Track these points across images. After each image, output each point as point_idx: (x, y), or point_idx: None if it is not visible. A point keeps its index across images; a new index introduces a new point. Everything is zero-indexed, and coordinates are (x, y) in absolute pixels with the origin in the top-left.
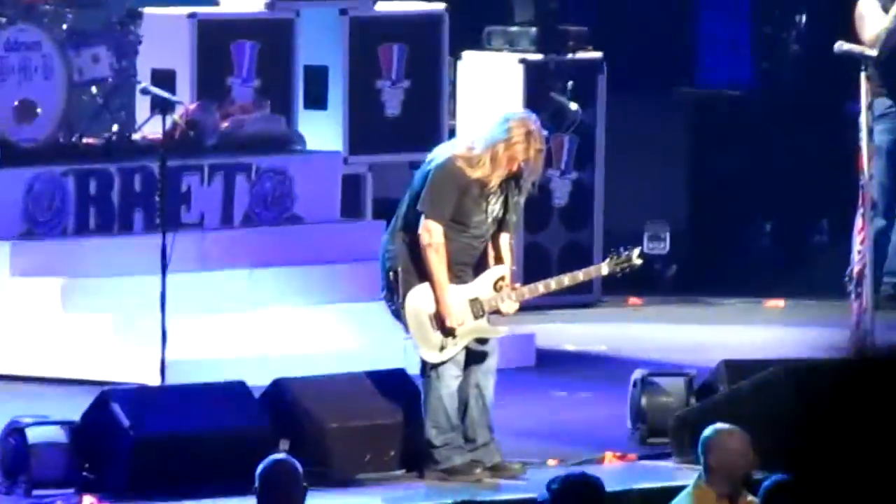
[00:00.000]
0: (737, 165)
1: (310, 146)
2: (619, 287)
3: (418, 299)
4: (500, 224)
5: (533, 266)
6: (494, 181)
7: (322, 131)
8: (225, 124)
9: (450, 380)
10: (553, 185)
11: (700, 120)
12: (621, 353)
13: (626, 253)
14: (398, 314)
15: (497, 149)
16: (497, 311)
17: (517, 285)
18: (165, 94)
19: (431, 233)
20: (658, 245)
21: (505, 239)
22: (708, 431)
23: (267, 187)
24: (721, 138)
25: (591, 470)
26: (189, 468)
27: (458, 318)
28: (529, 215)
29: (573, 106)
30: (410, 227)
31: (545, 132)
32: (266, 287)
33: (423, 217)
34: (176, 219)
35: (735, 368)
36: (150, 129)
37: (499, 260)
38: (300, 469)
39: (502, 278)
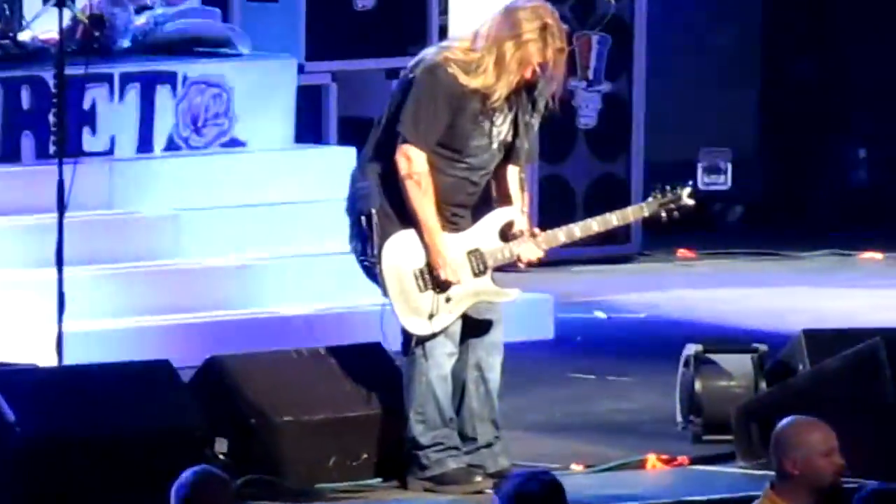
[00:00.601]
0: (821, 74)
1: (255, 49)
2: (666, 235)
3: (399, 251)
4: (508, 152)
5: (551, 206)
6: (500, 92)
7: (270, 29)
8: (141, 20)
9: (442, 358)
10: (578, 99)
11: (773, 15)
12: (668, 323)
13: (675, 191)
14: (372, 271)
15: (503, 48)
16: (514, 264)
17: (537, 230)
18: None
19: (411, 160)
20: (717, 179)
21: (514, 172)
22: (782, 425)
23: (198, 103)
24: (800, 38)
25: (631, 476)
26: (96, 476)
27: (454, 271)
28: (547, 139)
29: None
30: (388, 156)
31: (566, 27)
32: (197, 233)
33: (399, 140)
34: (77, 145)
35: (819, 341)
36: (43, 26)
37: (505, 199)
38: (229, 484)
39: (510, 224)
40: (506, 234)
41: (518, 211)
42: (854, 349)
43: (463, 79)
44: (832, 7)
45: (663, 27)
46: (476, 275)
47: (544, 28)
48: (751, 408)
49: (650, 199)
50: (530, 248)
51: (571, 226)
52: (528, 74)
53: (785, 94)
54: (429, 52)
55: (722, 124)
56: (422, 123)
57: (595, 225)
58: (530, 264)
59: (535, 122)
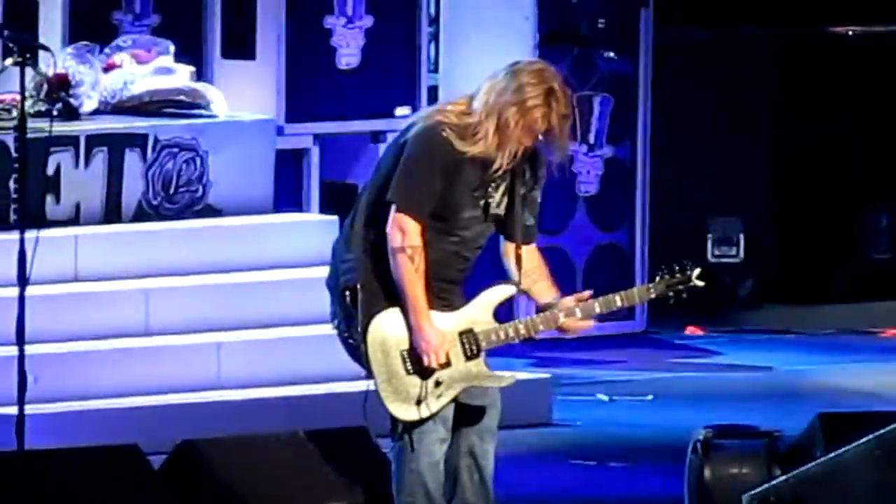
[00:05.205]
0: (841, 133)
1: (231, 110)
2: (674, 311)
3: (385, 330)
4: (501, 227)
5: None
6: (501, 161)
7: (248, 89)
8: (109, 80)
9: (433, 445)
10: (578, 164)
11: (789, 69)
12: (676, 405)
13: (684, 272)
14: (356, 350)
15: (506, 114)
16: (508, 341)
17: (585, 293)
18: (24, 38)
19: (406, 233)
20: (728, 251)
21: (510, 249)
22: None
23: (170, 168)
24: (816, 99)
25: None
26: None
27: (440, 357)
28: (545, 207)
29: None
30: (376, 226)
31: (570, 92)
32: (169, 308)
33: (393, 209)
34: (40, 213)
35: (836, 425)
36: (3, 86)
37: (524, 277)
38: None
39: (511, 301)
40: (498, 313)
41: (515, 289)
42: (875, 434)
43: (459, 144)
44: (850, 67)
45: (669, 84)
46: (468, 358)
47: (549, 93)
48: (764, 497)
49: (657, 280)
50: (574, 316)
51: (574, 308)
52: (530, 142)
53: (800, 158)
54: (421, 115)
55: (733, 191)
56: (416, 191)
57: (598, 306)
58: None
59: (537, 194)
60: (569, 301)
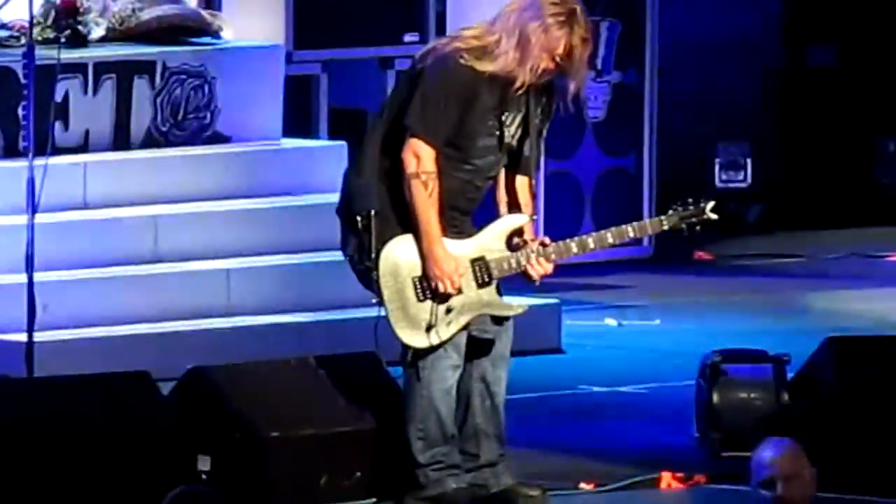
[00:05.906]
0: (850, 57)
1: (239, 36)
2: (681, 237)
3: (398, 256)
4: (515, 158)
5: (559, 204)
6: (523, 78)
7: (256, 15)
8: (117, 6)
9: (445, 371)
10: (586, 90)
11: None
12: (685, 330)
13: (698, 204)
14: (367, 276)
15: (527, 32)
16: (524, 276)
17: (546, 240)
18: None
19: (420, 158)
20: (735, 176)
21: (523, 182)
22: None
23: (178, 95)
24: (823, 24)
25: (644, 496)
26: (68, 495)
27: (453, 283)
28: (554, 133)
29: None
30: (391, 153)
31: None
32: (178, 235)
33: (408, 135)
34: (49, 140)
35: (846, 349)
36: (10, 12)
37: (513, 206)
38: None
39: (519, 231)
40: (513, 242)
41: (528, 218)
42: (885, 358)
43: (478, 65)
44: None
45: (677, 13)
46: (480, 285)
47: (571, 14)
48: (772, 421)
49: (671, 213)
50: (539, 262)
51: (585, 237)
52: (549, 64)
53: (808, 82)
54: (439, 43)
55: (741, 116)
56: (432, 118)
57: (610, 237)
58: (537, 278)
59: (545, 128)
60: (546, 240)
